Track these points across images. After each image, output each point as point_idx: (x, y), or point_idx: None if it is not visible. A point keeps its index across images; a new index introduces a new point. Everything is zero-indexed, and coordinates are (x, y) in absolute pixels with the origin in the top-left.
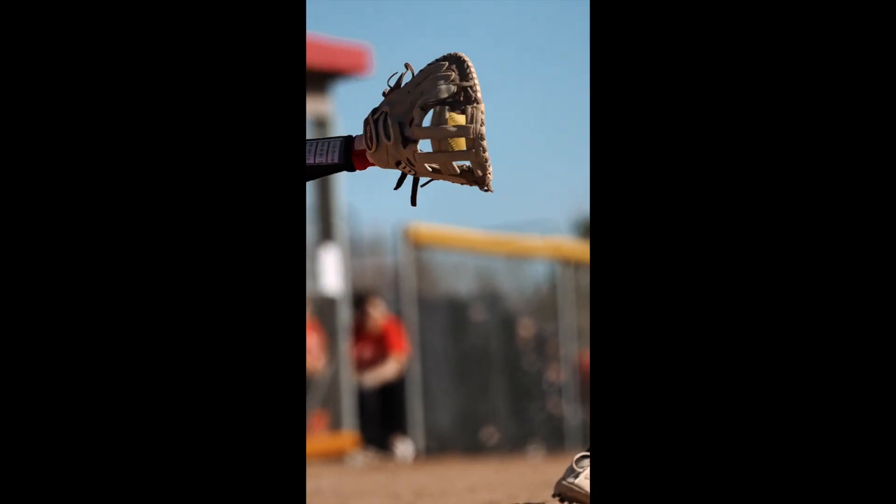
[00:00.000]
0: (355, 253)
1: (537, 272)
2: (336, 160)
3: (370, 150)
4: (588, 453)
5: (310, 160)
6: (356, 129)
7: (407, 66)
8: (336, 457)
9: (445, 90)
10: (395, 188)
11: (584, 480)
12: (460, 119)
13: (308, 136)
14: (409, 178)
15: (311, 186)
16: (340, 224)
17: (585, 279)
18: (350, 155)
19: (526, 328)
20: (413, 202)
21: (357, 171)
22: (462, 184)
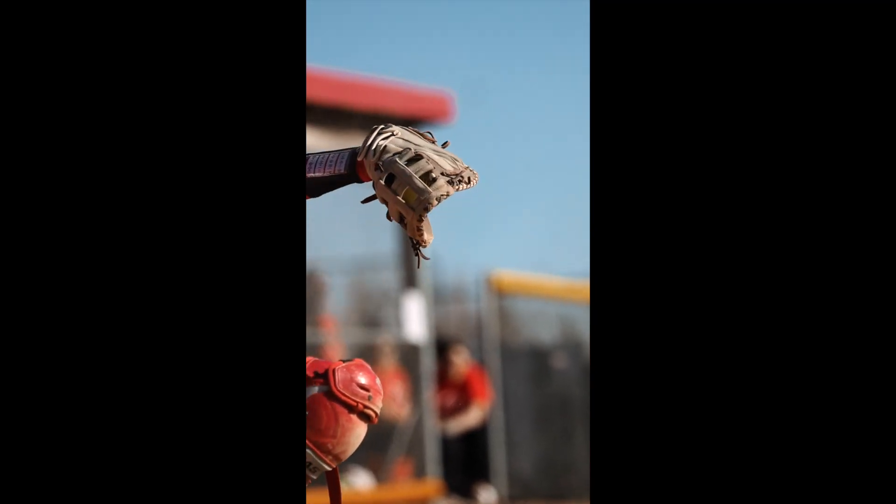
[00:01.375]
0: (439, 300)
1: None
2: (342, 170)
3: (359, 156)
4: None
5: (318, 172)
6: None
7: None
8: None
9: (446, 167)
10: (362, 202)
11: None
12: (438, 186)
13: None
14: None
15: (396, 235)
16: (424, 271)
17: None
18: (355, 166)
19: None
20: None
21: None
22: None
